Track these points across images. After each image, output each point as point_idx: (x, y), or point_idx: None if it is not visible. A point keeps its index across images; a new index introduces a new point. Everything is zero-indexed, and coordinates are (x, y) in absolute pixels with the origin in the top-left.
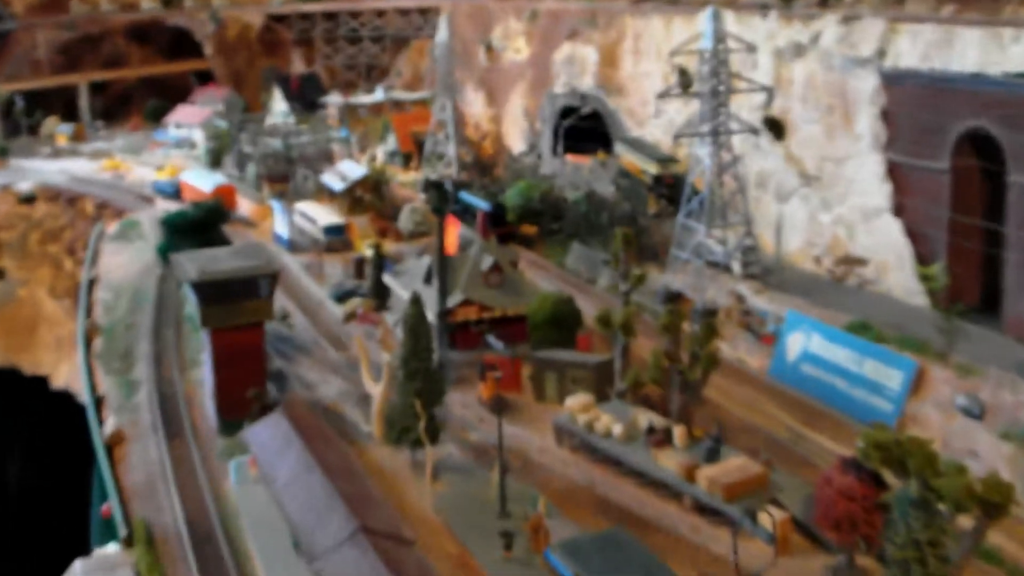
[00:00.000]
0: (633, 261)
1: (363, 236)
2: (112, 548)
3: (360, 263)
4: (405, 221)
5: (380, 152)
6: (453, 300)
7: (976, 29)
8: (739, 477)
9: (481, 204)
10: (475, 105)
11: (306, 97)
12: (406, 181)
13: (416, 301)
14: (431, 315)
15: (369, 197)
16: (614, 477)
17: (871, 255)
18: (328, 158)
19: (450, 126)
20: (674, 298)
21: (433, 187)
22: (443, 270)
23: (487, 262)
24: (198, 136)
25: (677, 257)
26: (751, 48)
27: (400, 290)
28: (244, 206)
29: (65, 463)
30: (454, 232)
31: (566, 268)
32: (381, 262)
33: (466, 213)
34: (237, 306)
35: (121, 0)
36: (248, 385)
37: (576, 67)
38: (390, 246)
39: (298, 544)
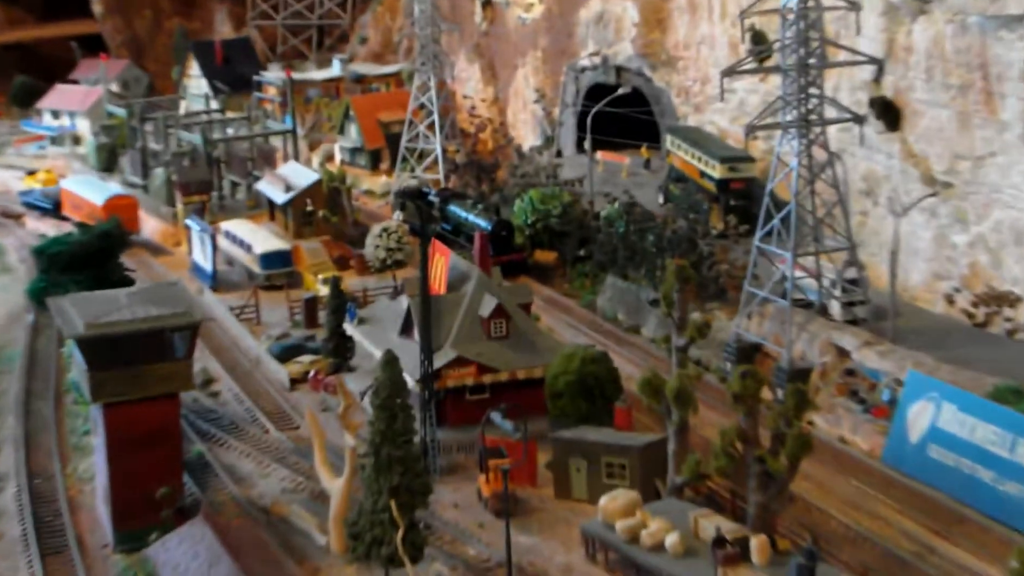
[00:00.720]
0: (692, 301)
1: (316, 268)
2: None
3: (312, 306)
4: (374, 247)
5: (338, 149)
6: (442, 359)
7: None
8: None
9: (479, 222)
10: (469, 83)
11: (235, 72)
12: (375, 190)
13: (390, 361)
14: (411, 380)
15: (324, 213)
16: None
17: None
18: (266, 158)
19: (434, 113)
20: (750, 354)
21: (412, 199)
22: (427, 317)
23: (488, 305)
24: (84, 127)
25: (753, 295)
26: (853, 5)
27: (368, 345)
28: (150, 226)
29: None
30: (442, 262)
31: (598, 312)
32: (341, 305)
33: (458, 235)
34: (142, 371)
35: None
36: (157, 481)
37: (609, 30)
38: (353, 282)
39: None
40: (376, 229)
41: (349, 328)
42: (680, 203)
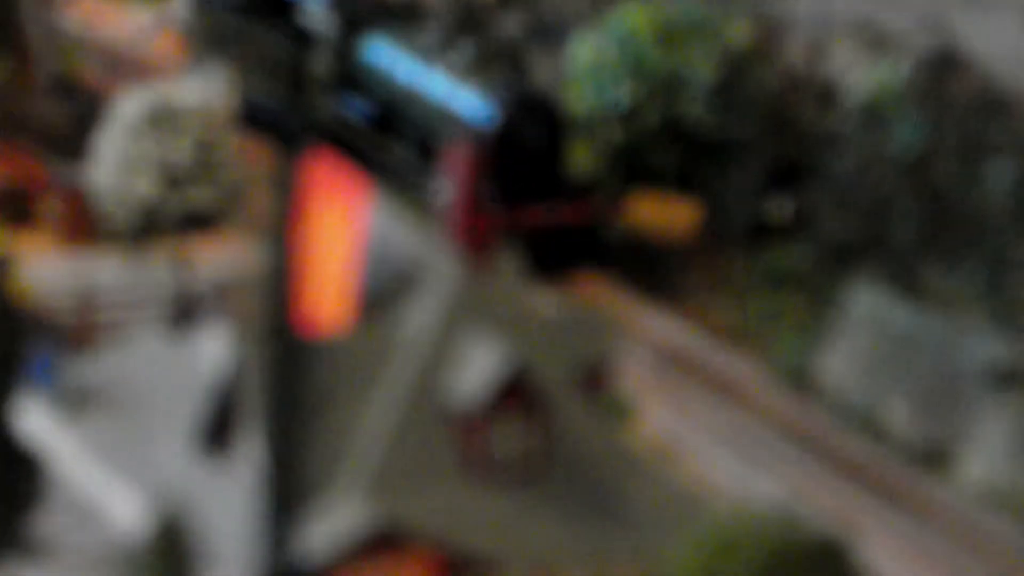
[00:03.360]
0: None
1: None
2: None
3: None
4: (123, 165)
5: None
6: (334, 529)
7: None
8: None
9: (458, 101)
10: None
11: None
12: None
13: (170, 533)
14: None
15: None
16: None
17: None
18: None
19: None
20: None
21: (250, 19)
22: (289, 397)
23: (479, 369)
24: None
25: None
26: None
27: (96, 476)
28: None
29: None
30: (342, 222)
31: (822, 394)
32: (13, 346)
33: (391, 135)
34: None
35: None
36: None
37: None
38: (51, 271)
39: None
40: (132, 107)
41: (35, 422)
42: None
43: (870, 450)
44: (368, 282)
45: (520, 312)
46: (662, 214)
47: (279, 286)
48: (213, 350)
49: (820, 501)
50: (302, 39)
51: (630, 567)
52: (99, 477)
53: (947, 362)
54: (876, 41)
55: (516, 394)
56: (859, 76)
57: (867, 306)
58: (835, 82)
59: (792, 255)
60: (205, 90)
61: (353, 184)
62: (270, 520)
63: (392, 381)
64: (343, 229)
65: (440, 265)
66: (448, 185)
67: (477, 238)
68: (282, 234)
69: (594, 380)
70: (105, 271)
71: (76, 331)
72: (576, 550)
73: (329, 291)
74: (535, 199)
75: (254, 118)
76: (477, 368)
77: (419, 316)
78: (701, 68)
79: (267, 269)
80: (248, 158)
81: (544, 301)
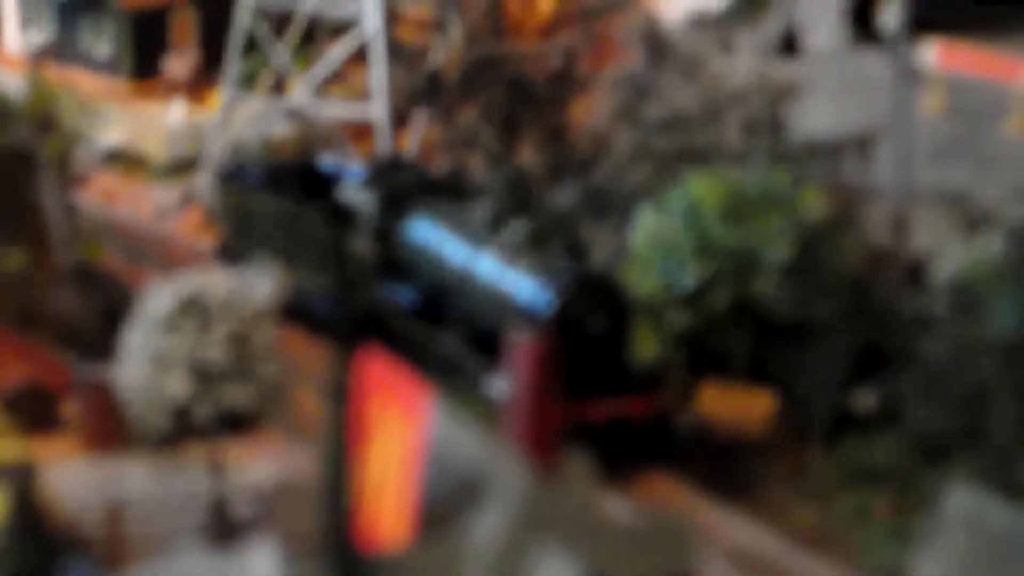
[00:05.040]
0: None
1: None
2: None
3: None
4: (154, 364)
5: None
6: None
7: None
8: None
9: (516, 286)
10: None
11: None
12: (149, 153)
13: None
14: None
15: None
16: None
17: None
18: None
19: None
20: None
21: (286, 194)
22: None
23: None
24: None
25: None
26: None
27: None
28: None
29: None
30: (402, 431)
31: None
32: (41, 560)
33: (440, 323)
34: None
35: None
36: None
37: None
38: (72, 477)
39: None
40: (162, 300)
41: None
42: None
43: None
44: (428, 491)
45: (593, 521)
46: (735, 405)
47: (336, 497)
48: (262, 568)
49: None
50: (340, 219)
51: None
52: None
53: None
54: (966, 212)
55: None
56: (949, 251)
57: (964, 505)
58: (922, 258)
59: (879, 449)
60: (238, 279)
61: (408, 382)
62: None
63: None
64: (400, 433)
65: (505, 472)
66: (509, 381)
67: (543, 439)
68: (336, 440)
69: None
70: (135, 478)
71: (106, 545)
72: None
73: (387, 502)
74: (598, 392)
75: (293, 308)
76: None
77: (485, 529)
78: (774, 244)
79: (322, 479)
80: (288, 352)
81: (618, 507)
